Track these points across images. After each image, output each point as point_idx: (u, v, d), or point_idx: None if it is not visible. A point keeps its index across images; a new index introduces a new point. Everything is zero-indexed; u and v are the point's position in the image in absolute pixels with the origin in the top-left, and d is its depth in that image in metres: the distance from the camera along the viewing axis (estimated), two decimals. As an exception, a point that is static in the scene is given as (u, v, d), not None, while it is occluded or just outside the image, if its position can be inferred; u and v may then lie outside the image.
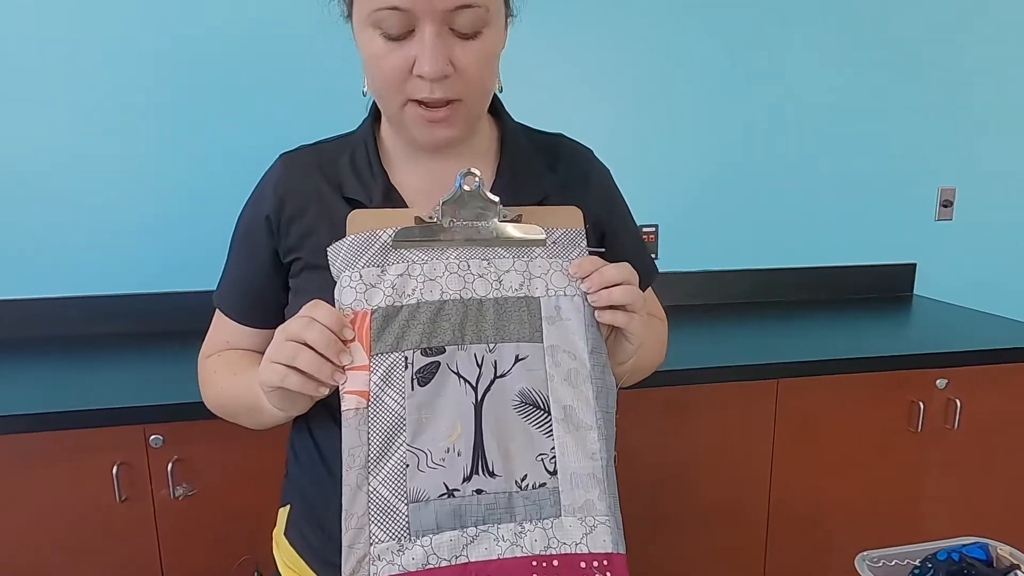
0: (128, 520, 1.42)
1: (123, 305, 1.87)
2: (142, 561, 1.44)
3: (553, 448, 0.70)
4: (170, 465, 1.40)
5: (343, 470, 0.67)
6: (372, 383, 0.69)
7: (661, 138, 2.09)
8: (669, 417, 1.61)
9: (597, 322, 0.73)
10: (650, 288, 0.96)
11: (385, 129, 0.82)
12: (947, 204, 2.29)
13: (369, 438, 0.68)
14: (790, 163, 2.17)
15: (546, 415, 0.70)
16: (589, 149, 0.90)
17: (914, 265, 2.30)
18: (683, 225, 2.15)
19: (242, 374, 0.81)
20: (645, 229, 2.11)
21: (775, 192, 2.18)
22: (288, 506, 0.89)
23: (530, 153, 0.85)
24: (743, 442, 1.65)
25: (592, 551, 0.68)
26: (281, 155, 0.85)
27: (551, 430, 0.70)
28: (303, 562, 0.84)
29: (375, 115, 0.84)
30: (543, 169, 0.84)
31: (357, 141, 0.83)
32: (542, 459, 0.70)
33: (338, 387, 0.69)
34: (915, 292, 2.32)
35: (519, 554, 0.67)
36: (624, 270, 0.73)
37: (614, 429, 0.73)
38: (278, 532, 0.90)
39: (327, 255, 0.74)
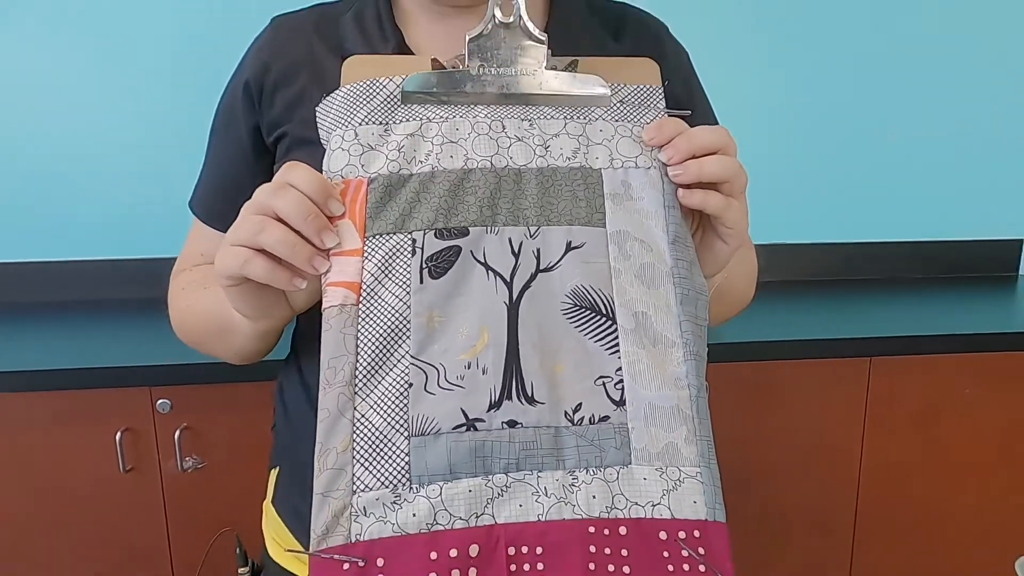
0: (133, 493, 1.28)
1: (131, 269, 1.70)
2: (147, 540, 1.30)
3: (620, 369, 0.52)
4: (177, 433, 1.26)
5: (319, 390, 0.50)
6: (365, 272, 0.52)
7: (734, 89, 1.86)
8: (737, 400, 1.40)
9: (681, 205, 0.56)
10: None
11: None
12: (1060, 172, 2.00)
13: (358, 345, 0.51)
14: (872, 123, 1.91)
15: (610, 323, 0.53)
16: (663, 23, 0.73)
17: (1020, 242, 2.02)
18: (757, 191, 1.88)
19: (214, 287, 0.65)
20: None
21: (856, 156, 1.92)
22: (277, 469, 0.73)
23: (588, 18, 0.68)
24: (825, 431, 1.44)
25: (677, 516, 0.50)
26: (273, 18, 0.69)
27: (617, 344, 0.53)
28: (289, 533, 0.67)
29: None
30: (604, 37, 0.68)
31: None
32: (604, 384, 0.52)
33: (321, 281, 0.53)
34: (1021, 272, 2.04)
35: (568, 516, 0.49)
36: (719, 134, 0.55)
37: (705, 349, 0.55)
38: (267, 502, 0.74)
39: (317, 120, 0.57)
